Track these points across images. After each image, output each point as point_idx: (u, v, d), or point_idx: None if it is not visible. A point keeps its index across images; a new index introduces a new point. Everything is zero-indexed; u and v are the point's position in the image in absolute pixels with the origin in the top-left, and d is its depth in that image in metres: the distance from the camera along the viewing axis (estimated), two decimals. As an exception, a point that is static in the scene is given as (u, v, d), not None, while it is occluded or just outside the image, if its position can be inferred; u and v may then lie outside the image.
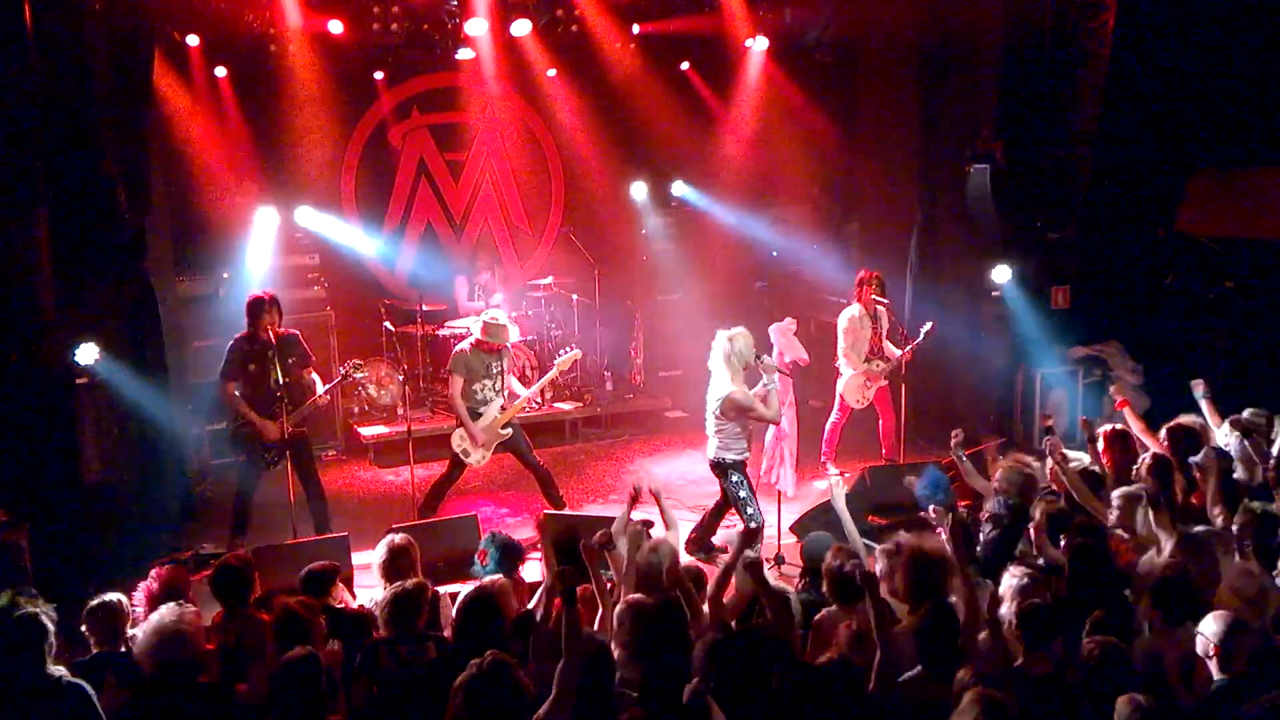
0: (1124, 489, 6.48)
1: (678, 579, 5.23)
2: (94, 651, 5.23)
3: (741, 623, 5.28)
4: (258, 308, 8.40)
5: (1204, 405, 7.65)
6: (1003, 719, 4.00)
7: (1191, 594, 5.05)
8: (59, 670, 4.76)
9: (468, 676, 4.13)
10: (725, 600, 5.40)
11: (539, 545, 6.50)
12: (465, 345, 8.96)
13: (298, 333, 8.79)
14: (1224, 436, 7.31)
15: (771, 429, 8.48)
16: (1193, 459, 6.86)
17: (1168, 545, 5.77)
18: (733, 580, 5.56)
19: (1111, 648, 4.49)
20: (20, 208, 7.62)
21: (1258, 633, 4.78)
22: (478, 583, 5.42)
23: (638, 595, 5.02)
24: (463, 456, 8.89)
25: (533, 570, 6.98)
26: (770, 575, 5.74)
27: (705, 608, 5.23)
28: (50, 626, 4.75)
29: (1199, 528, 6.04)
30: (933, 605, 4.82)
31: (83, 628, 5.29)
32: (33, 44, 7.52)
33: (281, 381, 8.27)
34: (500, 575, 5.97)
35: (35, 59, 7.56)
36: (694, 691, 4.14)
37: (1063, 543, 5.93)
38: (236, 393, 8.41)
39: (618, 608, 4.91)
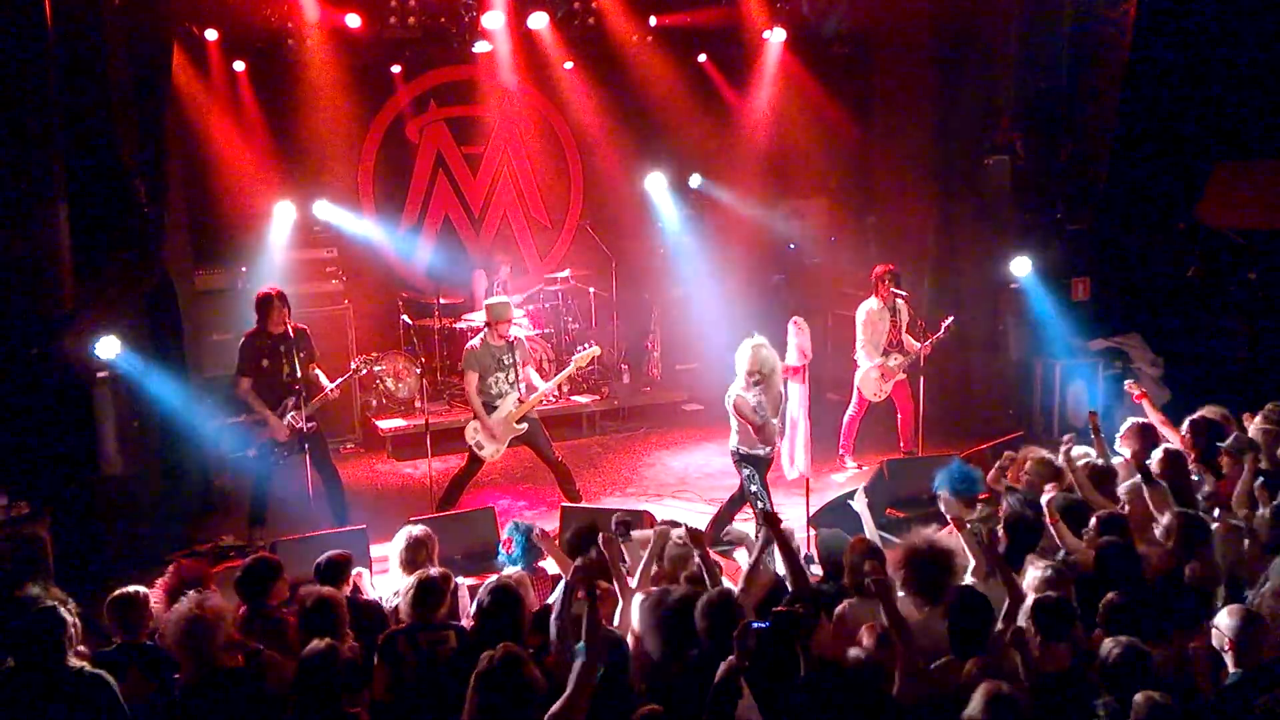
0: (1131, 482, 6.43)
1: (700, 563, 5.23)
2: (117, 643, 5.24)
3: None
4: (268, 303, 8.49)
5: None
6: (1013, 714, 3.97)
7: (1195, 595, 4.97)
8: (80, 662, 4.79)
9: (481, 669, 4.14)
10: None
11: (556, 538, 6.51)
12: (476, 341, 8.97)
13: (306, 328, 8.86)
14: (1250, 427, 7.23)
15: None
16: (1222, 444, 6.80)
17: (1164, 521, 5.70)
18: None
19: (1128, 645, 4.45)
20: (40, 202, 7.64)
21: (1273, 626, 4.74)
22: (499, 575, 5.43)
23: (662, 586, 5.00)
24: (477, 450, 8.90)
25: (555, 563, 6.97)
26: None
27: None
28: (69, 619, 4.78)
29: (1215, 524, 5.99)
30: (960, 593, 4.79)
31: (105, 619, 5.31)
32: (52, 39, 7.55)
33: (297, 375, 8.37)
34: (522, 568, 6.02)
35: (55, 54, 7.59)
36: (729, 669, 4.11)
37: (1085, 537, 5.89)
38: (251, 389, 8.49)
39: (644, 600, 4.90)
